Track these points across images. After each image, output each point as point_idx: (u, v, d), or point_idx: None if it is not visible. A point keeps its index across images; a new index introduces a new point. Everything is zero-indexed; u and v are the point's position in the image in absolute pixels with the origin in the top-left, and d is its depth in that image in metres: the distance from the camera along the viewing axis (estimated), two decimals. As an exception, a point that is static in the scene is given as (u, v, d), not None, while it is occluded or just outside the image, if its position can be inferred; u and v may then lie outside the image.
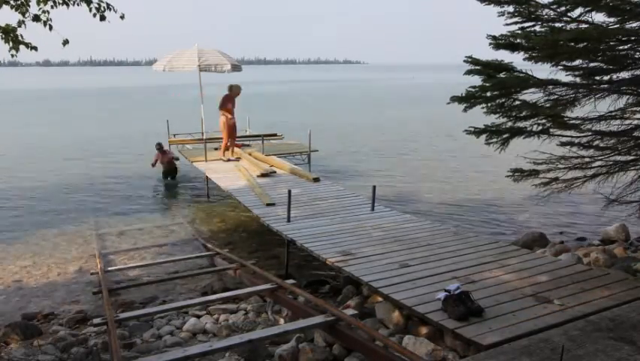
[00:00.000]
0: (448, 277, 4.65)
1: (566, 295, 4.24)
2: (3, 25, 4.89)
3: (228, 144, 10.94)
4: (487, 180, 11.59)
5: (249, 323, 4.92)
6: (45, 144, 17.60)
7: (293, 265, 6.51)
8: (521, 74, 5.24)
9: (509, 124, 5.57)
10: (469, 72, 5.48)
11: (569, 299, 4.14)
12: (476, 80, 5.47)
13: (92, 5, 5.06)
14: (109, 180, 12.18)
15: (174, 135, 13.21)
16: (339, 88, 56.19)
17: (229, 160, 10.79)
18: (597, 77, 5.35)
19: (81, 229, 8.55)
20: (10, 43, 4.90)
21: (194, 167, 11.00)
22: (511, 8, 5.18)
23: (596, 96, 5.19)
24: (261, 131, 12.89)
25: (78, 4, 5.12)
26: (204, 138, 11.61)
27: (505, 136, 5.61)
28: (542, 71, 5.23)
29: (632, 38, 4.90)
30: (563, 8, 5.04)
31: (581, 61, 5.20)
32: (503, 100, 5.48)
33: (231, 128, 10.77)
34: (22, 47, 5.00)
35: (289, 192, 6.69)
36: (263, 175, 9.31)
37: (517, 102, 5.45)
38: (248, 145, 12.55)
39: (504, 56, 5.92)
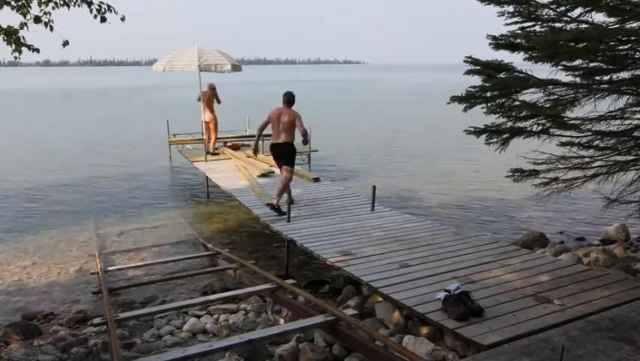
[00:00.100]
0: (448, 277, 4.66)
1: (566, 295, 4.24)
2: (5, 26, 4.88)
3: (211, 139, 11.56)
4: (487, 180, 11.59)
5: (249, 323, 4.92)
6: (45, 143, 17.60)
7: (293, 265, 6.52)
8: (521, 74, 5.24)
9: (509, 124, 5.58)
10: (469, 72, 5.48)
11: (569, 299, 4.15)
12: (476, 80, 5.48)
13: (92, 7, 5.06)
14: (109, 180, 12.18)
15: (174, 135, 13.22)
16: (339, 88, 56.18)
17: (214, 153, 11.44)
18: (597, 77, 5.35)
19: (81, 229, 8.55)
20: (13, 45, 4.90)
21: (194, 167, 11.01)
22: (511, 8, 5.19)
23: (596, 96, 5.19)
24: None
25: (79, 6, 5.12)
26: (204, 137, 11.62)
27: (505, 136, 5.61)
28: (542, 71, 5.23)
29: (632, 38, 4.90)
30: (563, 8, 5.04)
31: (581, 61, 5.20)
32: (503, 100, 5.48)
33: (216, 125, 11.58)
34: (23, 48, 5.00)
35: (289, 192, 6.69)
36: (263, 175, 9.31)
37: (517, 102, 5.46)
38: (248, 145, 12.54)
39: (504, 56, 5.93)
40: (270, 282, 5.19)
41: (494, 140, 5.66)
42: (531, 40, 5.08)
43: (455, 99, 5.54)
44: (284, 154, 6.98)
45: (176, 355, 3.57)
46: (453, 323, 3.79)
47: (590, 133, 5.40)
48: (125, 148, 16.61)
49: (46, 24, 4.95)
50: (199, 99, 11.32)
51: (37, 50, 5.09)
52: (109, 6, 5.14)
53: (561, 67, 5.30)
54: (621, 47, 5.05)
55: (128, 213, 9.50)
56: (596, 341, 3.19)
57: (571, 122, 5.39)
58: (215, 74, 11.51)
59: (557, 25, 5.11)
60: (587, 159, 5.59)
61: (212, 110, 11.34)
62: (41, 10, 4.95)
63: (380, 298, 4.67)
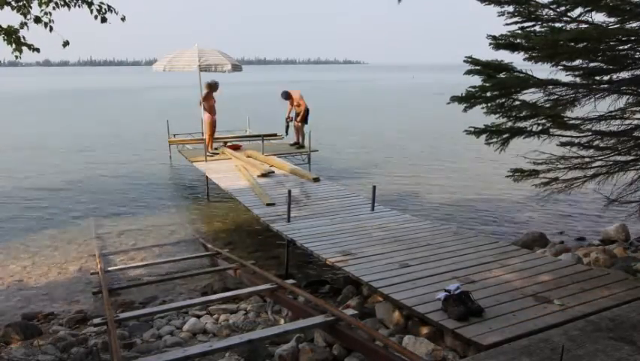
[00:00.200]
0: (448, 277, 4.66)
1: (566, 295, 4.24)
2: (5, 26, 4.88)
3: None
4: (487, 180, 11.59)
5: (249, 323, 4.92)
6: (45, 143, 17.59)
7: (293, 265, 6.51)
8: (521, 74, 5.24)
9: (509, 124, 5.57)
10: (469, 72, 5.47)
11: (569, 299, 4.15)
12: (476, 80, 5.47)
13: (92, 7, 5.06)
14: (109, 180, 12.18)
15: (174, 135, 13.22)
16: (339, 88, 56.17)
17: (214, 153, 11.40)
18: (597, 77, 5.35)
19: (81, 228, 8.56)
20: (13, 45, 4.90)
21: (194, 167, 11.01)
22: (511, 8, 5.18)
23: (596, 96, 5.18)
24: (261, 131, 12.89)
25: (79, 6, 5.12)
26: (204, 137, 11.62)
27: (505, 136, 5.60)
28: (542, 71, 5.22)
29: (632, 38, 4.90)
30: (563, 8, 5.04)
31: (581, 61, 5.20)
32: (503, 100, 5.48)
33: (214, 125, 11.50)
34: (24, 47, 5.00)
35: (289, 192, 6.69)
36: (263, 175, 9.31)
37: (517, 102, 5.45)
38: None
39: (504, 56, 5.92)
40: (270, 282, 5.19)
41: (494, 140, 5.65)
42: (531, 40, 5.07)
43: (455, 99, 5.53)
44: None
45: (176, 355, 3.57)
46: (453, 323, 3.79)
47: (590, 133, 5.39)
48: (125, 148, 16.60)
49: (46, 25, 4.95)
50: (200, 104, 11.23)
51: (38, 50, 5.09)
52: (109, 6, 5.14)
53: (561, 67, 5.29)
54: (621, 47, 5.05)
55: (128, 214, 9.50)
56: (596, 341, 3.19)
57: (571, 122, 5.38)
58: (215, 74, 11.52)
59: (557, 25, 5.11)
60: (587, 159, 5.58)
61: (206, 110, 11.21)
62: (42, 10, 4.95)
63: (380, 298, 4.67)
